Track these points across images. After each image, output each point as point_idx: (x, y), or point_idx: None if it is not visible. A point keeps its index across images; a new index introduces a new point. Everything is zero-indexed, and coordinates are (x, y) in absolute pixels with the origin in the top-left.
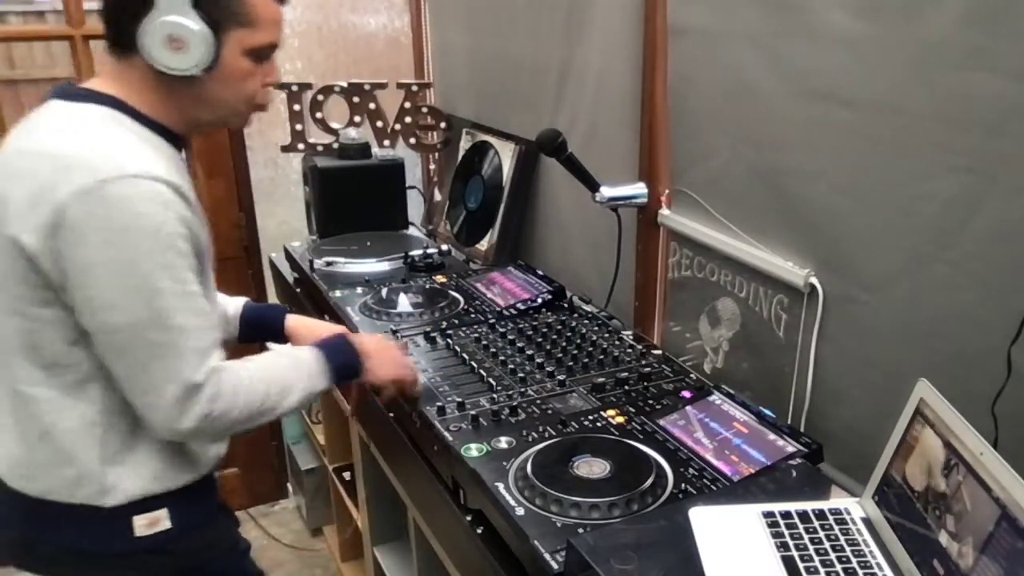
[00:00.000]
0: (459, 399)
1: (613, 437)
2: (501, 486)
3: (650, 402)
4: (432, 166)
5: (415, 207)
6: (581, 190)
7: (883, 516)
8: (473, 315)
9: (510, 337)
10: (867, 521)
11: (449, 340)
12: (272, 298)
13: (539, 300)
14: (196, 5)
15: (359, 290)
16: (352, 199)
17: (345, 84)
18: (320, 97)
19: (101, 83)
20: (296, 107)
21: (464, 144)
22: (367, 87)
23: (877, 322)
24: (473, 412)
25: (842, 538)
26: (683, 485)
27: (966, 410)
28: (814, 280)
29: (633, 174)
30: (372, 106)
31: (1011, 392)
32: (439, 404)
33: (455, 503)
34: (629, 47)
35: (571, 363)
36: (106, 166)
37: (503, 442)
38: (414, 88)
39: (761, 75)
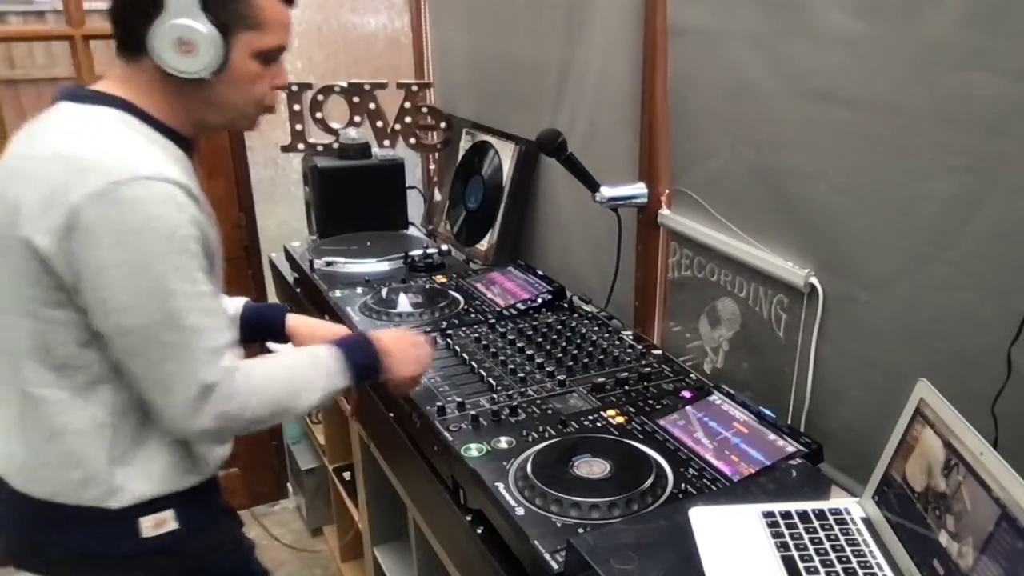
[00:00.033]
0: (459, 399)
1: (613, 437)
2: (501, 486)
3: (650, 402)
4: (432, 166)
5: (415, 207)
6: (581, 190)
7: (883, 516)
8: (473, 315)
9: (510, 337)
10: (867, 521)
11: (449, 340)
12: (272, 298)
13: (539, 300)
14: (205, 8)
15: (359, 290)
16: (352, 199)
17: (345, 84)
18: (320, 97)
19: (110, 85)
20: (296, 107)
21: (464, 144)
22: (367, 87)
23: (877, 322)
24: (473, 412)
25: (842, 538)
26: (683, 485)
27: (966, 410)
28: (814, 280)
29: (633, 174)
30: (372, 106)
31: (1011, 392)
32: (439, 404)
33: (455, 503)
34: (629, 47)
35: (571, 363)
36: (119, 168)
37: (503, 442)
38: (414, 88)
39: (761, 75)
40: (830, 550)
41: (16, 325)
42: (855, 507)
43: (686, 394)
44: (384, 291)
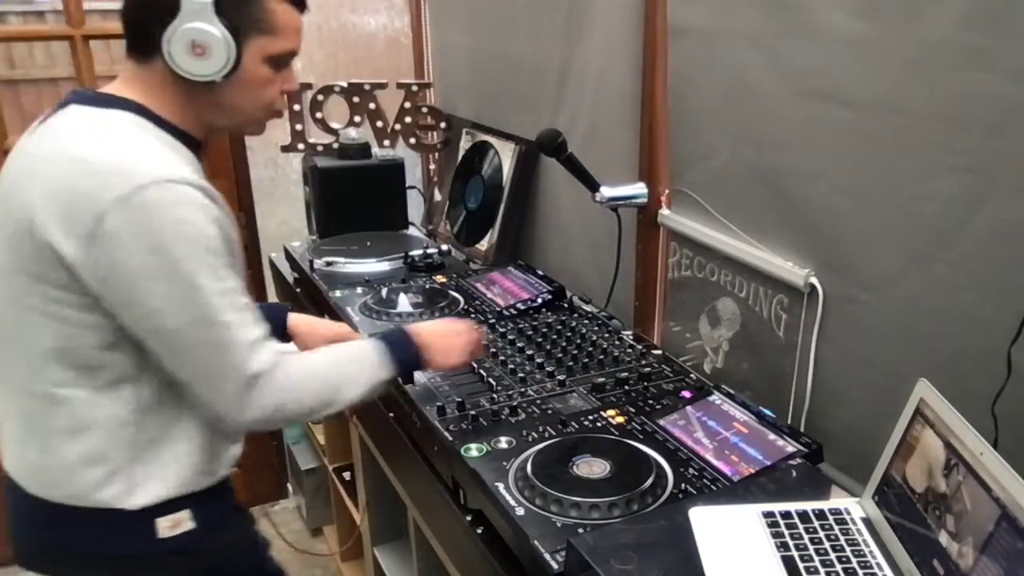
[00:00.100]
0: (459, 399)
1: (613, 437)
2: (501, 486)
3: (650, 402)
4: (432, 166)
5: (415, 207)
6: (581, 190)
7: (883, 516)
8: (473, 315)
9: (510, 337)
10: (867, 521)
11: None
12: (272, 298)
13: (539, 300)
14: (219, 12)
15: (359, 290)
16: (352, 199)
17: (345, 84)
18: (320, 97)
19: (121, 88)
20: (296, 107)
21: (464, 144)
22: (367, 87)
23: (877, 322)
24: (473, 412)
25: (842, 538)
26: (683, 485)
27: (966, 410)
28: (814, 280)
29: (633, 174)
30: (372, 106)
31: (1011, 392)
32: (439, 404)
33: (455, 503)
34: (629, 47)
35: (571, 363)
36: (141, 172)
37: (503, 442)
38: (414, 88)
39: (761, 75)
40: (830, 550)
41: (38, 326)
42: (855, 507)
43: (686, 394)
44: (384, 291)
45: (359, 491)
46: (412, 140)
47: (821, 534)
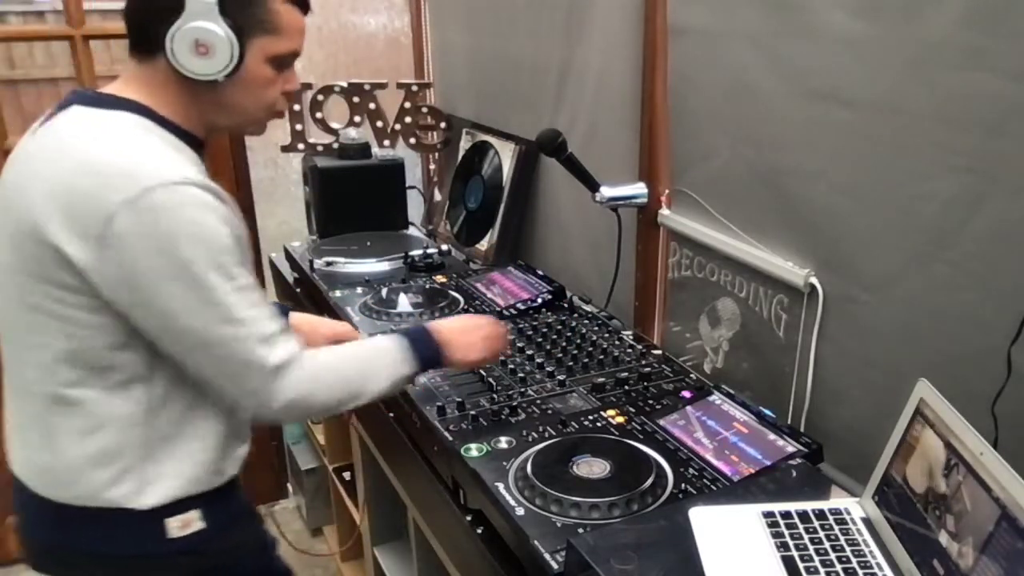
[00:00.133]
0: (459, 399)
1: (613, 437)
2: (501, 486)
3: (650, 402)
4: (432, 166)
5: (415, 207)
6: (581, 190)
7: (883, 516)
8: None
9: (510, 337)
10: (867, 521)
11: None
12: (272, 298)
13: (539, 300)
14: (223, 11)
15: (359, 290)
16: (352, 199)
17: (345, 84)
18: (320, 97)
19: (123, 88)
20: (296, 107)
21: (464, 144)
22: (367, 87)
23: (877, 322)
24: (473, 412)
25: (842, 538)
26: (683, 485)
27: (966, 410)
28: (814, 280)
29: (633, 174)
30: (372, 106)
31: (1011, 392)
32: (439, 404)
33: (455, 503)
34: (629, 47)
35: (571, 363)
36: (149, 175)
37: (503, 442)
38: (414, 88)
39: (761, 75)
40: (830, 550)
41: (47, 328)
42: (855, 507)
43: (686, 394)
44: (384, 291)
45: (359, 491)
46: (412, 140)
47: (821, 534)
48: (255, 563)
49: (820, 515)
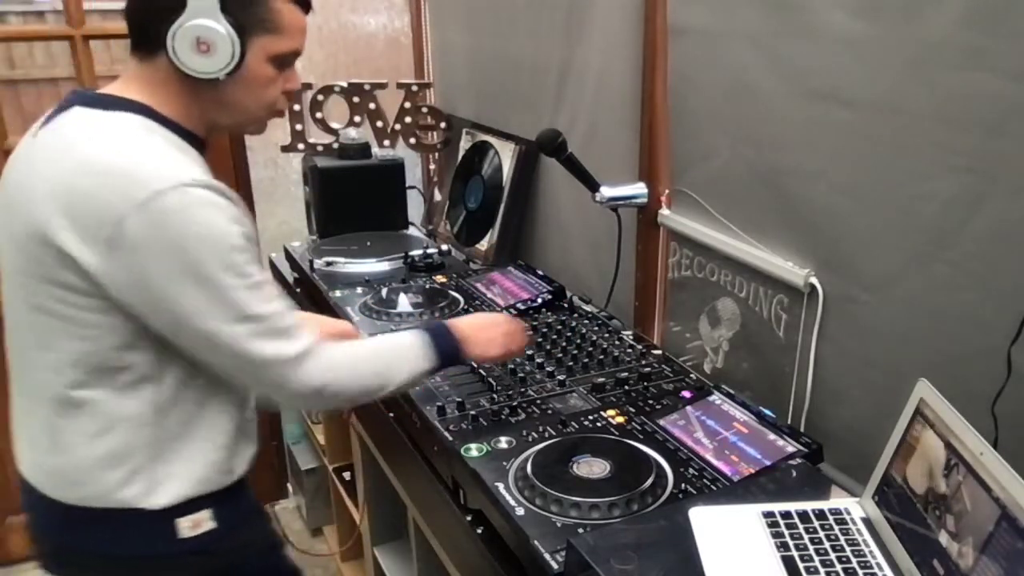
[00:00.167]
0: (459, 399)
1: (613, 437)
2: (501, 486)
3: (650, 402)
4: (432, 166)
5: (415, 207)
6: (581, 190)
7: (883, 516)
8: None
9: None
10: (867, 521)
11: None
12: None
13: (539, 300)
14: (225, 10)
15: (359, 290)
16: (352, 199)
17: (345, 84)
18: (320, 97)
19: (124, 88)
20: (296, 107)
21: (464, 144)
22: (367, 87)
23: (877, 322)
24: (473, 412)
25: (842, 538)
26: (683, 485)
27: (966, 410)
28: (814, 280)
29: (633, 174)
30: (372, 106)
31: (1011, 392)
32: (439, 404)
33: (455, 503)
34: (629, 47)
35: (571, 363)
36: (158, 177)
37: (503, 442)
38: (414, 88)
39: (761, 75)
40: (830, 550)
41: (56, 330)
42: (855, 507)
43: (686, 394)
44: (384, 291)
45: (359, 491)
46: (412, 140)
47: (821, 534)
48: (264, 563)
49: (820, 515)
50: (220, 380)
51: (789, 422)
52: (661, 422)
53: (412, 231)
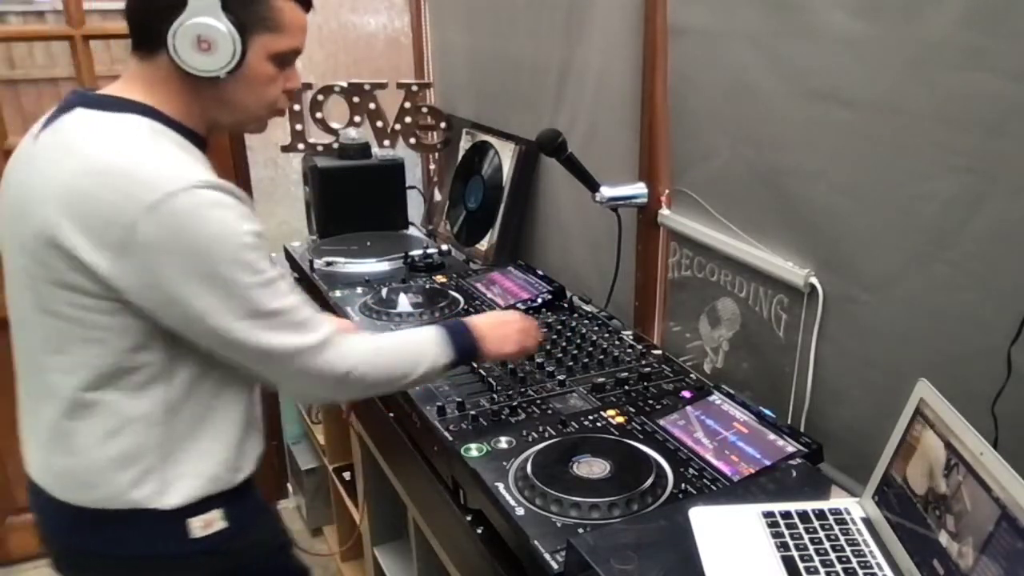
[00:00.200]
0: (459, 399)
1: (613, 437)
2: (501, 486)
3: (650, 402)
4: (432, 166)
5: (415, 207)
6: (581, 190)
7: (883, 516)
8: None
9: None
10: (867, 521)
11: None
12: None
13: (539, 300)
14: (226, 8)
15: (359, 290)
16: (352, 199)
17: (345, 84)
18: (320, 97)
19: (126, 88)
20: (296, 107)
21: (464, 144)
22: (367, 87)
23: (877, 322)
24: (473, 412)
25: (842, 538)
26: (683, 485)
27: (966, 410)
28: (814, 280)
29: (633, 174)
30: (372, 106)
31: (1011, 392)
32: (439, 404)
33: (455, 503)
34: (629, 47)
35: (571, 363)
36: (168, 180)
37: (503, 442)
38: (414, 88)
39: (761, 75)
40: (830, 550)
41: (67, 333)
42: (855, 507)
43: (686, 394)
44: (384, 291)
45: (359, 491)
46: (412, 140)
47: (821, 534)
48: (274, 562)
49: (820, 515)
50: (228, 378)
51: (789, 422)
52: (661, 422)
53: (412, 231)
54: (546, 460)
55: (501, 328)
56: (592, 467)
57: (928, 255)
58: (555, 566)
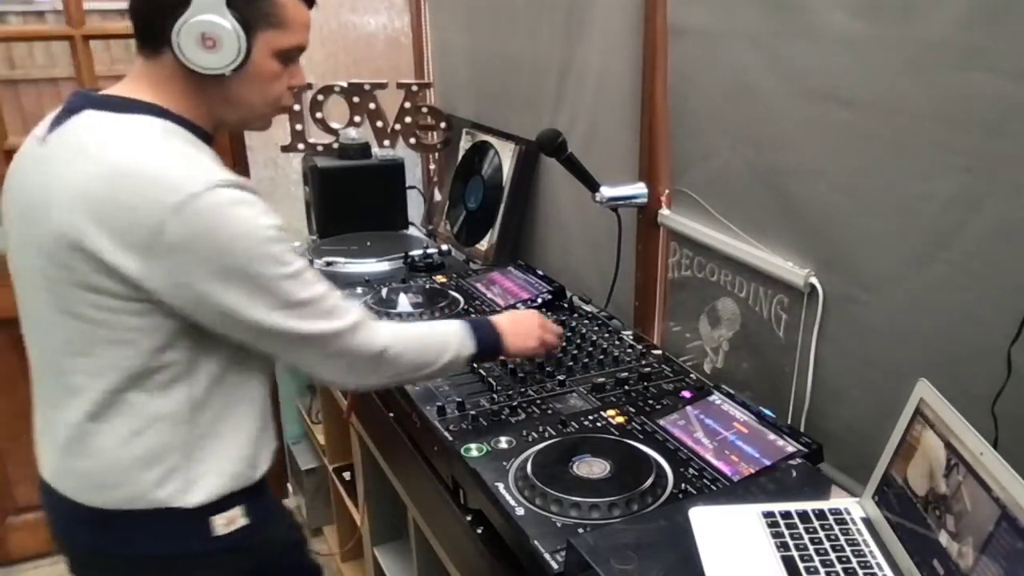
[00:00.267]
0: (459, 399)
1: (613, 437)
2: (501, 486)
3: (650, 402)
4: (432, 166)
5: (415, 207)
6: (581, 190)
7: (883, 516)
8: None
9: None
10: (867, 521)
11: None
12: None
13: (539, 300)
14: (230, 5)
15: (359, 290)
16: (352, 199)
17: (345, 84)
18: (320, 97)
19: (132, 88)
20: (296, 107)
21: (464, 144)
22: (367, 87)
23: (877, 322)
24: (473, 412)
25: (842, 538)
26: (683, 485)
27: (966, 410)
28: (814, 280)
29: (633, 174)
30: (372, 106)
31: (1011, 392)
32: (439, 404)
33: (455, 503)
34: (629, 47)
35: (571, 363)
36: (189, 181)
37: (503, 442)
38: (414, 88)
39: (761, 75)
40: (830, 550)
41: (93, 335)
42: (855, 507)
43: (686, 394)
44: (384, 291)
45: (359, 491)
46: (412, 140)
47: (821, 534)
48: (289, 560)
49: (820, 515)
50: (248, 375)
51: (789, 422)
52: (661, 422)
53: (412, 231)
54: (546, 460)
55: (522, 324)
56: (592, 467)
57: (928, 255)
58: (555, 566)
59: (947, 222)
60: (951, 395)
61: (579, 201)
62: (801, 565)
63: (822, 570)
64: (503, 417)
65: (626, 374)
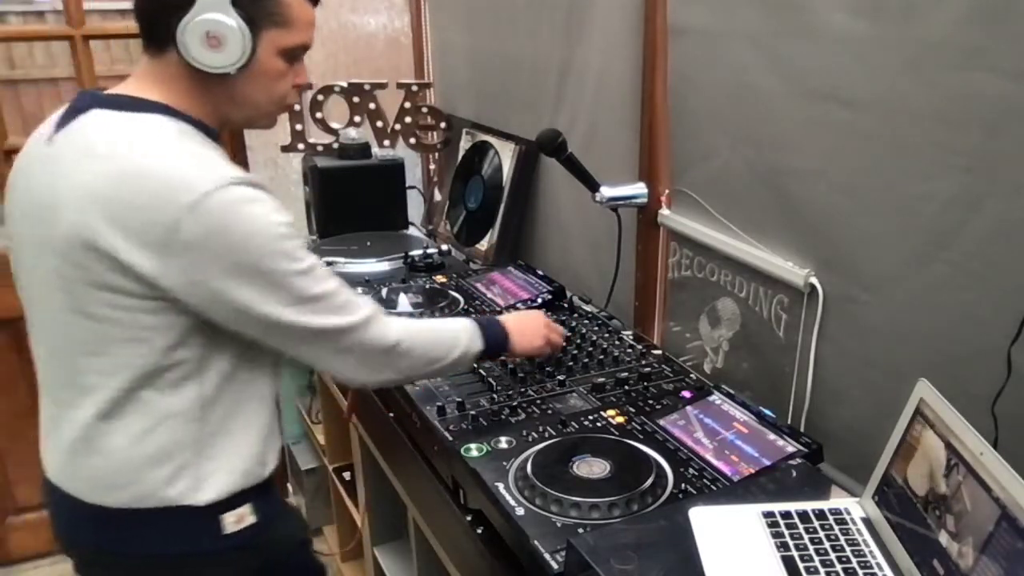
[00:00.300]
0: (459, 399)
1: (613, 437)
2: (501, 486)
3: (650, 402)
4: (432, 166)
5: (415, 207)
6: (581, 190)
7: (883, 516)
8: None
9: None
10: (867, 521)
11: None
12: None
13: (539, 300)
14: (235, 3)
15: (359, 290)
16: (352, 199)
17: (345, 84)
18: (320, 97)
19: (138, 87)
20: (296, 107)
21: (464, 144)
22: (367, 87)
23: (877, 322)
24: (473, 412)
25: (842, 538)
26: (683, 485)
27: (966, 410)
28: (814, 280)
29: (633, 174)
30: (372, 106)
31: (1011, 392)
32: (439, 404)
33: (455, 503)
34: (629, 47)
35: (571, 363)
36: (202, 179)
37: (503, 442)
38: (414, 88)
39: (761, 75)
40: (830, 550)
41: (107, 334)
42: (855, 507)
43: (686, 394)
44: (384, 291)
45: (359, 491)
46: (412, 140)
47: (821, 534)
48: (295, 558)
49: (820, 515)
50: (257, 372)
51: (789, 422)
52: (661, 422)
53: (412, 231)
54: (546, 460)
55: (528, 323)
56: (592, 467)
57: (928, 255)
58: (555, 566)
59: (947, 222)
60: (951, 395)
61: (579, 201)
62: (801, 565)
63: (822, 570)
64: (503, 417)
65: (626, 374)
